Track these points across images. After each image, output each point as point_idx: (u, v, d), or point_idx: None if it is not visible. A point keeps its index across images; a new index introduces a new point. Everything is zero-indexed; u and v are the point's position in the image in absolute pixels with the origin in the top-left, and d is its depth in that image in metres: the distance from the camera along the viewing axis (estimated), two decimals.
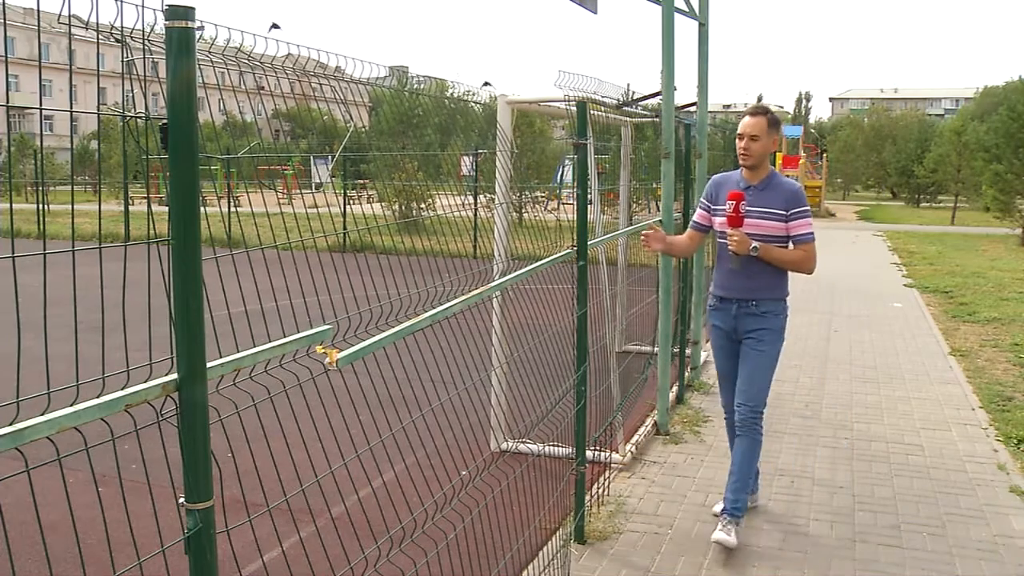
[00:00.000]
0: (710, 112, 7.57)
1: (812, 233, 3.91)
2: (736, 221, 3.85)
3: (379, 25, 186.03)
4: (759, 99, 78.40)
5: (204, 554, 1.51)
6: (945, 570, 3.72)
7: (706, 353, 7.22)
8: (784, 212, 3.88)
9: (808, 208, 3.95)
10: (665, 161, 5.63)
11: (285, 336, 1.82)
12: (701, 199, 4.24)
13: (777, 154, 25.07)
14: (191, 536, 1.51)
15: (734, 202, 3.85)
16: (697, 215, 4.26)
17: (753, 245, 3.82)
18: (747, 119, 3.97)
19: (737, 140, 3.98)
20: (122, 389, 1.43)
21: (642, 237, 4.24)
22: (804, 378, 7.15)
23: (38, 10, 1.36)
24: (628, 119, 7.15)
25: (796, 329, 9.32)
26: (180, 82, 1.42)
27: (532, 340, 3.81)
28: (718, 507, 4.12)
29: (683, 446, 5.40)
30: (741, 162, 3.97)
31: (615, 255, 7.32)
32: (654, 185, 7.95)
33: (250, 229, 1.94)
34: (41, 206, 14.77)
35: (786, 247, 3.94)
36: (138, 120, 1.50)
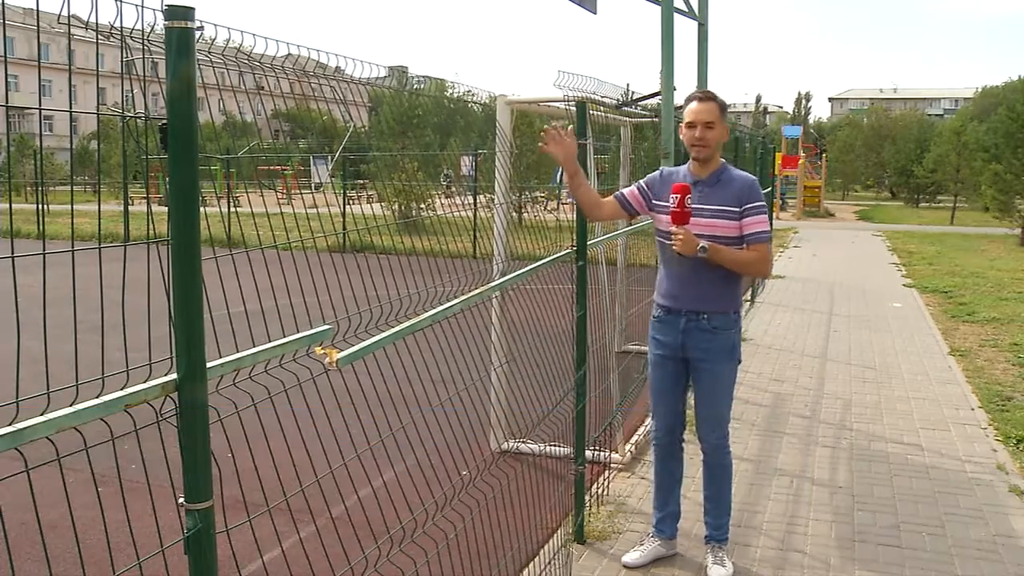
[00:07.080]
0: None
1: (767, 232, 3.47)
2: (681, 217, 3.35)
3: (379, 25, 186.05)
4: (758, 99, 78.40)
5: (204, 554, 1.51)
6: (945, 570, 3.73)
7: None
8: (737, 209, 3.42)
9: (763, 204, 3.50)
10: (664, 161, 5.64)
11: (285, 336, 1.82)
12: (641, 181, 3.71)
13: (777, 154, 25.01)
14: (191, 536, 1.51)
15: (678, 195, 3.34)
16: (628, 191, 3.72)
17: (701, 245, 3.34)
18: (697, 105, 3.45)
19: (686, 129, 3.48)
20: (122, 389, 1.43)
21: (544, 131, 3.52)
22: (804, 378, 7.15)
23: (37, 10, 1.36)
24: (628, 119, 7.15)
25: (796, 329, 9.33)
26: (180, 82, 1.42)
27: (532, 340, 3.81)
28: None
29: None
30: (695, 154, 3.48)
31: (615, 255, 7.33)
32: None
33: (250, 229, 1.94)
34: (41, 206, 14.72)
35: (740, 249, 3.47)
36: (138, 120, 1.50)
